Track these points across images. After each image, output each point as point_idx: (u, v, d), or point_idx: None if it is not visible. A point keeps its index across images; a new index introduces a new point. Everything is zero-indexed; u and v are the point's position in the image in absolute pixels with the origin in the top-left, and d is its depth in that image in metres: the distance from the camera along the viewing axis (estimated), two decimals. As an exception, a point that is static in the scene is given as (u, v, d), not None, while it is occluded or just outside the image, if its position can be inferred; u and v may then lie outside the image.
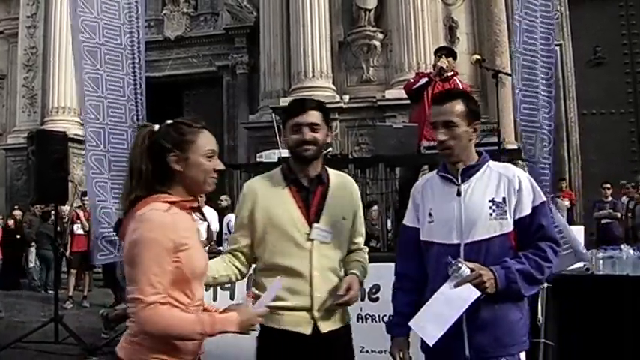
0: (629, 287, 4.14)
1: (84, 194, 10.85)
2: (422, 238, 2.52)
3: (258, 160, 6.50)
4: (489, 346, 2.34)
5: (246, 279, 2.79)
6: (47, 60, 15.11)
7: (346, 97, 12.24)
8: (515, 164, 5.85)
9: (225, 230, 9.54)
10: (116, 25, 5.97)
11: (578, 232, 5.41)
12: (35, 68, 15.64)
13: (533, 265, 2.34)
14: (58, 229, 9.90)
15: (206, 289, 4.78)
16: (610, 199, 11.64)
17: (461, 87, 6.23)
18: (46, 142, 7.46)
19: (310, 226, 2.56)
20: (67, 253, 10.76)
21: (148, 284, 1.90)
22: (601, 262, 4.47)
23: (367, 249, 2.83)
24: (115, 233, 5.68)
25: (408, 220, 2.61)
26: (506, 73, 8.24)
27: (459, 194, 2.43)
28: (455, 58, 6.69)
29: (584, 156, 13.17)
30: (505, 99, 10.29)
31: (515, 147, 6.46)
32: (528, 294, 2.41)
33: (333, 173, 2.73)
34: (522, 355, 2.46)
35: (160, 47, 15.35)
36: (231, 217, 9.74)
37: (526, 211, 2.39)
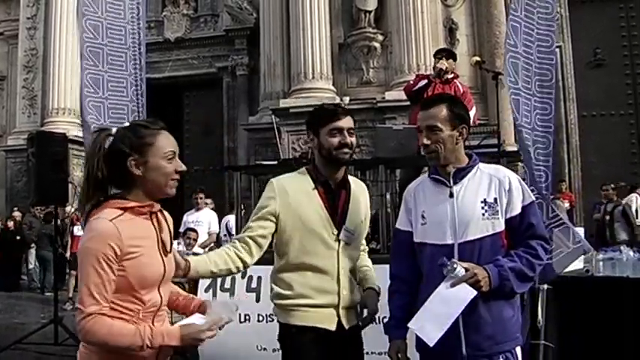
0: (629, 289, 4.14)
1: (84, 195, 10.86)
2: (415, 240, 2.57)
3: (257, 161, 6.50)
4: (485, 344, 2.40)
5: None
6: (47, 61, 15.12)
7: (346, 99, 12.22)
8: (516, 166, 5.87)
9: (224, 232, 9.54)
10: (121, 25, 5.95)
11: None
12: (35, 70, 15.65)
13: (525, 263, 2.42)
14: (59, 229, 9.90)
15: (206, 290, 4.80)
16: (610, 200, 11.64)
17: (461, 90, 6.24)
18: (46, 144, 7.44)
19: (337, 228, 2.67)
20: (68, 255, 10.75)
21: (87, 295, 1.89)
22: (601, 263, 4.47)
23: (367, 249, 3.00)
24: None
25: (400, 224, 2.67)
26: (506, 75, 8.20)
27: (451, 196, 2.50)
28: (455, 60, 6.69)
29: (584, 157, 13.17)
30: (505, 101, 10.27)
31: (515, 149, 6.45)
32: (520, 291, 2.50)
33: (350, 178, 2.85)
34: (518, 349, 2.52)
35: (160, 48, 15.34)
36: (229, 218, 9.75)
37: (516, 210, 2.47)
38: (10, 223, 13.05)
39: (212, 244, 8.71)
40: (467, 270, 2.34)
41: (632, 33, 13.75)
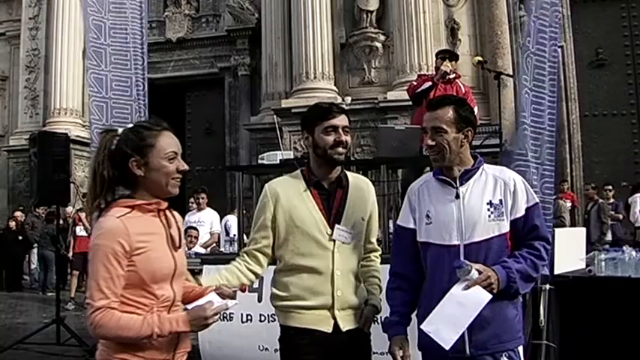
0: (631, 289, 4.13)
1: (85, 195, 10.88)
2: (419, 239, 2.57)
3: (259, 161, 6.49)
4: (489, 343, 2.41)
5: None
6: (49, 62, 15.14)
7: (348, 99, 12.22)
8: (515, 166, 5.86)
9: (224, 232, 9.53)
10: (124, 25, 5.96)
11: (580, 234, 5.41)
12: (37, 70, 15.67)
13: (530, 264, 2.45)
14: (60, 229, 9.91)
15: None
16: (612, 200, 11.64)
17: (463, 90, 6.24)
18: (47, 144, 7.46)
19: (332, 228, 2.64)
20: (70, 255, 10.77)
21: (96, 289, 1.94)
22: (603, 263, 4.45)
23: (380, 251, 2.89)
24: None
25: (403, 221, 2.65)
26: (508, 75, 8.25)
27: (457, 197, 2.50)
28: (457, 61, 6.69)
29: (586, 157, 13.15)
30: (506, 100, 10.28)
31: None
32: (524, 292, 2.53)
33: (350, 175, 2.81)
34: (520, 348, 2.54)
35: (162, 49, 15.36)
36: (229, 218, 9.75)
37: (520, 212, 2.49)
38: (12, 224, 13.05)
39: (214, 244, 8.71)
40: (479, 272, 2.35)
41: (634, 33, 13.73)
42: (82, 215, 10.52)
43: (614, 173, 12.82)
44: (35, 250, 12.71)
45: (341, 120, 2.67)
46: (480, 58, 7.18)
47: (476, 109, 6.00)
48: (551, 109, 4.75)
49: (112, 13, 5.89)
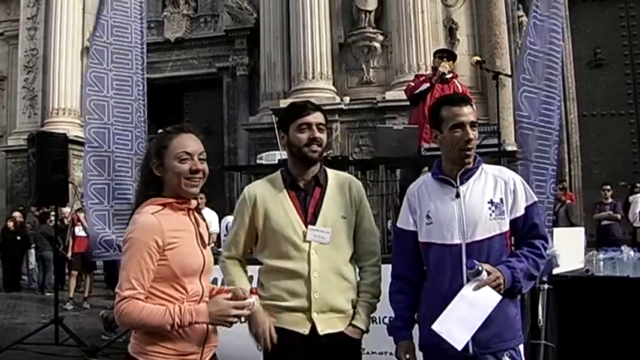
0: (629, 289, 4.13)
1: (83, 196, 10.87)
2: (420, 240, 2.57)
3: (258, 161, 6.49)
4: (492, 342, 2.42)
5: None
6: (47, 62, 15.13)
7: (346, 99, 12.24)
8: (516, 166, 5.86)
9: (224, 232, 9.54)
10: (126, 24, 5.96)
11: (578, 234, 5.41)
12: (35, 70, 15.65)
13: (532, 263, 2.47)
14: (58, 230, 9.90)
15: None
16: (610, 200, 11.65)
17: (460, 90, 6.25)
18: (46, 144, 7.44)
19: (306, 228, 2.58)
20: (69, 255, 10.76)
21: (125, 280, 2.04)
22: (601, 263, 4.46)
23: (378, 257, 2.74)
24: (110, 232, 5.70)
25: (403, 223, 2.64)
26: (506, 75, 8.23)
27: (457, 196, 2.51)
28: (454, 61, 6.68)
29: (584, 157, 13.17)
30: (505, 100, 10.28)
31: (516, 148, 6.45)
32: (526, 290, 2.57)
33: (331, 173, 2.73)
34: (521, 347, 2.56)
35: (160, 49, 15.35)
36: (229, 219, 9.74)
37: (520, 211, 2.51)
38: (10, 224, 13.03)
39: (212, 245, 8.71)
40: (489, 273, 2.36)
41: (633, 33, 13.74)
42: (81, 215, 10.50)
43: (613, 173, 12.83)
44: (33, 251, 12.69)
45: (315, 117, 2.62)
46: (478, 58, 7.16)
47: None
48: (558, 109, 4.73)
49: (115, 11, 5.89)
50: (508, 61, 12.11)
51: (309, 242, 2.56)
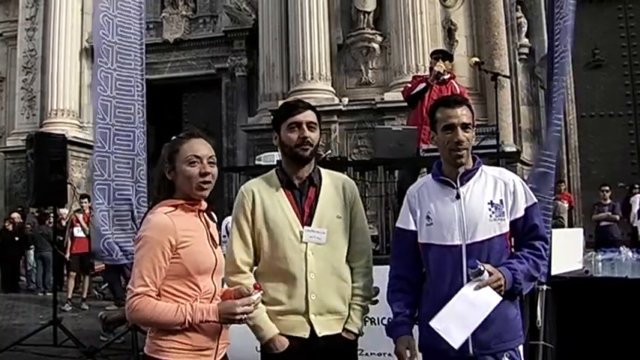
0: (628, 290, 4.14)
1: (82, 197, 10.87)
2: (420, 240, 2.56)
3: (257, 162, 6.49)
4: (492, 342, 2.42)
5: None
6: (46, 62, 15.10)
7: (345, 100, 12.24)
8: (514, 166, 5.87)
9: (224, 233, 9.52)
10: (130, 23, 5.94)
11: (577, 234, 5.42)
12: (34, 71, 15.62)
13: (532, 264, 2.48)
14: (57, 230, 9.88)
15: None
16: (609, 201, 11.67)
17: (458, 90, 6.24)
18: (44, 145, 7.44)
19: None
20: (67, 256, 10.75)
21: (138, 277, 2.09)
22: (600, 264, 4.47)
23: (371, 258, 2.75)
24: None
25: (403, 224, 2.63)
26: (504, 76, 8.25)
27: (457, 197, 2.51)
28: (451, 61, 6.68)
29: (583, 158, 13.20)
30: (503, 102, 10.30)
31: (514, 149, 6.47)
32: (526, 291, 2.56)
33: (325, 173, 2.73)
34: (521, 348, 2.56)
35: (159, 50, 15.30)
36: (229, 220, 9.72)
37: (520, 212, 2.51)
38: (9, 225, 13.02)
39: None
40: (490, 273, 2.37)
41: (631, 34, 13.78)
42: (80, 216, 10.50)
43: (611, 174, 12.86)
44: (31, 251, 12.68)
45: (305, 116, 2.61)
46: (476, 59, 7.18)
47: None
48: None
49: (119, 10, 5.87)
50: (507, 62, 12.12)
51: (306, 243, 2.55)
